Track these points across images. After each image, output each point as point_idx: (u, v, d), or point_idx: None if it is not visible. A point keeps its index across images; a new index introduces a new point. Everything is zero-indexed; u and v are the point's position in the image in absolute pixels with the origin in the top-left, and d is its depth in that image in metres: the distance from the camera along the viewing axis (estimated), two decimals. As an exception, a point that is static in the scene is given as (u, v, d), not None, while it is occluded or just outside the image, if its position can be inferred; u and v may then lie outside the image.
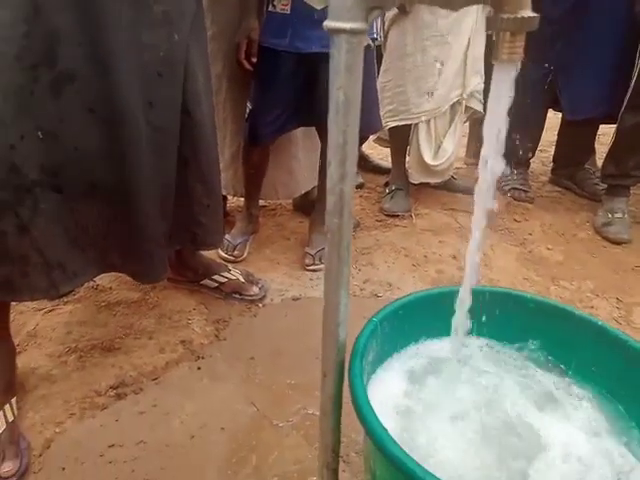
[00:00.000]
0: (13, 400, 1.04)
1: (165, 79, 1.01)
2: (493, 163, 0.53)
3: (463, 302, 0.65)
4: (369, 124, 1.63)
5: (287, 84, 1.48)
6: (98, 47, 0.90)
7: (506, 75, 0.47)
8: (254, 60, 1.47)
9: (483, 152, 0.53)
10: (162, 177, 1.07)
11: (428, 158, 2.02)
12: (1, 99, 0.85)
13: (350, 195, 0.57)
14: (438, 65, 1.83)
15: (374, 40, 1.54)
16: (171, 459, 0.98)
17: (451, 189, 2.29)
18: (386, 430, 0.54)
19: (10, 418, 0.99)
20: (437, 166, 2.04)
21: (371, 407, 0.57)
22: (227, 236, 1.71)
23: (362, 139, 2.33)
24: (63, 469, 0.95)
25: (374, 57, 1.55)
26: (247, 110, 1.60)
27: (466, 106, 2.01)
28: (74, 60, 0.89)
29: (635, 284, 1.66)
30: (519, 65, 0.47)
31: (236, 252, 1.69)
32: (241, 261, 1.69)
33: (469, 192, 2.30)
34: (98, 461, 0.97)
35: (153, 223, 1.07)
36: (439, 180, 2.15)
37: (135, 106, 0.97)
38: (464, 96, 1.96)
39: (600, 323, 0.74)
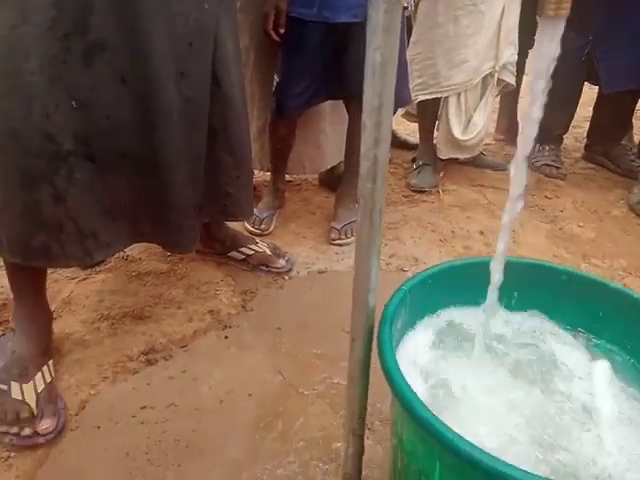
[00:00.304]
0: (50, 362, 1.08)
1: (196, 49, 1.01)
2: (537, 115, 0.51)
3: (496, 269, 0.64)
4: (398, 96, 1.60)
5: (315, 55, 1.46)
6: (129, 15, 0.90)
7: (552, 32, 0.45)
8: (282, 31, 1.45)
9: (527, 107, 0.51)
10: (192, 149, 1.07)
11: (457, 132, 1.98)
12: (36, 68, 0.86)
13: (384, 161, 0.56)
14: (470, 33, 1.77)
15: (405, 9, 1.50)
16: (200, 422, 1.01)
17: (479, 165, 2.24)
18: (414, 392, 0.55)
19: (48, 379, 1.03)
20: (467, 141, 2.00)
21: (399, 370, 0.57)
22: (254, 210, 1.72)
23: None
24: (98, 428, 0.99)
25: (405, 26, 1.51)
26: (274, 83, 1.59)
27: (498, 79, 1.95)
28: (106, 29, 0.89)
29: (670, 263, 1.61)
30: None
31: (263, 226, 1.70)
32: (268, 234, 1.70)
33: (498, 168, 2.25)
34: (131, 421, 1.00)
35: (183, 194, 1.08)
36: (468, 155, 2.11)
37: (166, 76, 0.97)
38: (496, 68, 1.91)
39: (634, 294, 0.72)
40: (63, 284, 1.41)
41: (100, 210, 1.01)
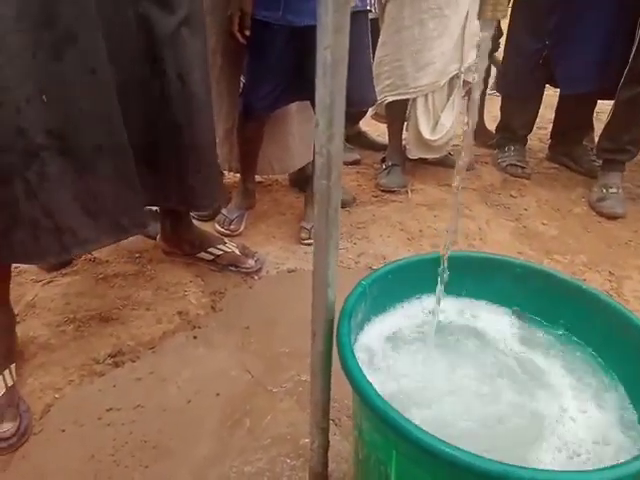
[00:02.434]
0: (12, 366, 1.06)
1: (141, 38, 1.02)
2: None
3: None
4: (363, 97, 1.62)
5: (281, 57, 1.47)
6: (91, 6, 0.90)
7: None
8: (247, 33, 1.46)
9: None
10: (153, 137, 1.10)
11: (426, 133, 2.02)
12: (5, 62, 0.85)
13: (338, 157, 0.57)
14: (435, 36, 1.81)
15: (368, 12, 1.52)
16: (168, 422, 1.01)
17: (447, 165, 2.29)
18: (369, 383, 0.56)
19: (9, 383, 1.02)
20: (435, 141, 2.04)
21: (356, 362, 0.59)
22: (223, 211, 1.72)
23: (359, 114, 2.32)
24: (63, 431, 0.98)
25: (368, 28, 1.53)
26: (241, 85, 1.59)
27: (464, 80, 2.00)
28: (75, 20, 0.89)
29: (627, 258, 1.67)
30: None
31: (232, 226, 1.70)
32: (237, 235, 1.70)
33: (466, 168, 2.30)
34: (97, 423, 1.00)
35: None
36: (436, 155, 2.15)
37: (132, 67, 0.98)
38: (462, 70, 1.95)
39: (584, 286, 0.75)
40: (27, 287, 1.39)
41: (78, 206, 1.00)
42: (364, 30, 1.52)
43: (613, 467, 0.49)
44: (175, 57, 1.06)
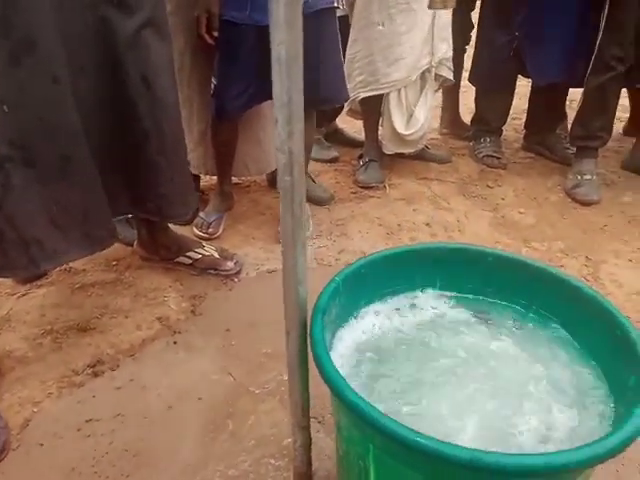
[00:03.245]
0: (-12, 382, 1.04)
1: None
2: None
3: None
4: (335, 94, 1.62)
5: (250, 57, 1.46)
6: (51, 12, 0.88)
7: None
8: (215, 34, 1.45)
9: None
10: (121, 146, 1.08)
11: (400, 128, 2.02)
12: None
13: (299, 153, 0.57)
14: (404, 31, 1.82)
15: (335, 9, 1.51)
16: (149, 430, 1.00)
17: (424, 158, 2.30)
18: (343, 379, 0.56)
19: (-15, 399, 1.00)
20: (410, 135, 2.04)
21: (329, 358, 0.59)
22: (201, 214, 1.71)
23: (335, 112, 2.32)
24: (41, 445, 0.96)
25: (336, 25, 1.53)
26: (212, 86, 1.58)
27: (436, 74, 2.01)
28: (33, 27, 0.87)
29: (603, 243, 1.70)
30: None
31: (210, 230, 1.69)
32: (216, 238, 1.69)
33: (443, 161, 2.31)
34: (76, 435, 0.98)
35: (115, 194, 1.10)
36: (412, 150, 2.16)
37: (95, 73, 0.97)
38: (433, 64, 1.96)
39: (553, 270, 0.76)
40: (2, 301, 1.36)
41: (45, 217, 0.98)
42: (332, 27, 1.51)
43: (578, 449, 0.50)
44: (137, 60, 1.04)
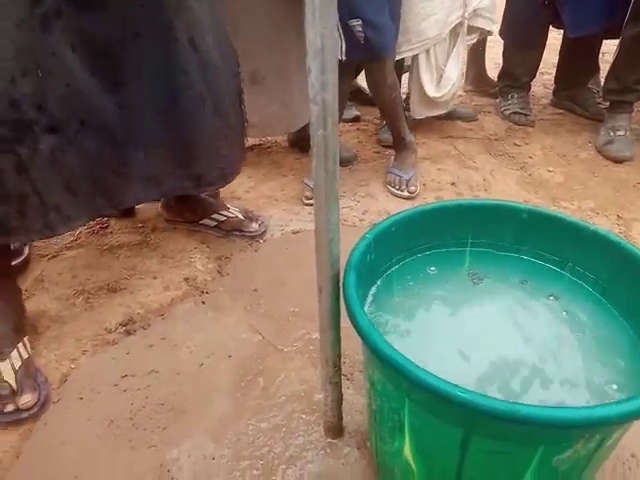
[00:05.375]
0: (25, 339, 1.07)
1: (149, 8, 0.98)
2: None
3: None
4: (381, 46, 1.54)
5: None
6: None
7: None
8: None
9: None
10: (158, 114, 1.06)
11: (430, 90, 1.93)
12: (4, 32, 0.84)
13: (333, 104, 0.55)
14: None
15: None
16: (182, 385, 1.02)
17: (449, 117, 2.23)
18: (378, 332, 0.56)
19: (25, 355, 1.03)
20: (440, 97, 1.96)
21: (364, 312, 0.59)
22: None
23: (357, 70, 2.25)
24: (81, 398, 1.00)
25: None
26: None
27: (470, 26, 1.90)
28: None
29: (635, 201, 1.65)
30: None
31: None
32: (239, 199, 1.69)
33: (468, 119, 2.24)
34: (113, 390, 1.01)
35: (143, 166, 1.09)
36: (442, 112, 2.07)
37: (118, 40, 0.95)
38: (466, 16, 1.86)
39: (592, 227, 0.74)
40: (34, 262, 1.39)
41: (62, 183, 0.99)
42: None
43: (619, 402, 0.49)
44: (184, 24, 1.03)
